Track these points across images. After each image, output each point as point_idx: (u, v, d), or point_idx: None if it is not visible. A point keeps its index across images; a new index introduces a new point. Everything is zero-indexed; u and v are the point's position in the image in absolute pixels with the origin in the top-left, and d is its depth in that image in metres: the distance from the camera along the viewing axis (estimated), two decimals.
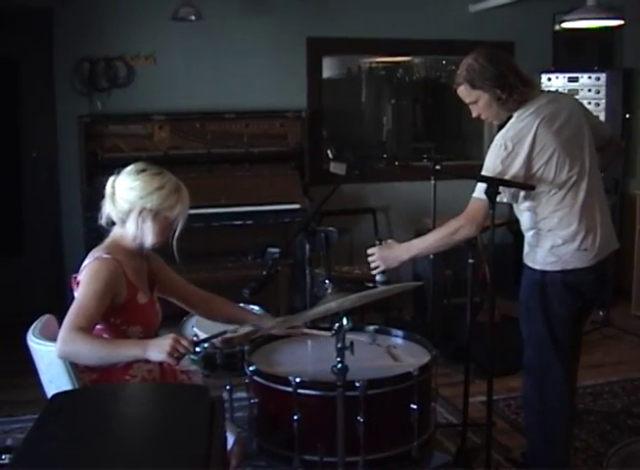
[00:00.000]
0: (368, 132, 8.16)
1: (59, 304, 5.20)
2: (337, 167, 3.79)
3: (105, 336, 3.01)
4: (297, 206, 6.02)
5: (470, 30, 6.88)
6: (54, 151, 6.14)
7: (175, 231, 3.09)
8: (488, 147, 3.41)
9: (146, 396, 2.54)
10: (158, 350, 2.77)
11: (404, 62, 7.90)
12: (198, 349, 3.15)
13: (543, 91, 3.54)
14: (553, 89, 6.43)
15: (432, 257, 4.52)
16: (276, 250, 5.82)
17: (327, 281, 3.42)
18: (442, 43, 6.99)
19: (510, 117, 3.43)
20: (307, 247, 3.88)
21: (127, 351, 2.84)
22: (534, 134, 3.30)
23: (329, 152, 3.92)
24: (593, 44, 6.79)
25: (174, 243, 3.11)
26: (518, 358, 4.71)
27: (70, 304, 2.92)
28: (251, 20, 6.41)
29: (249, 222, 5.93)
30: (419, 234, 3.76)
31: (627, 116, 6.68)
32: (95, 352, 2.80)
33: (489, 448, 3.49)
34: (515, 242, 6.48)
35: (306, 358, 3.36)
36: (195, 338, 3.36)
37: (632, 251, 6.31)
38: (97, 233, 3.25)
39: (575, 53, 6.85)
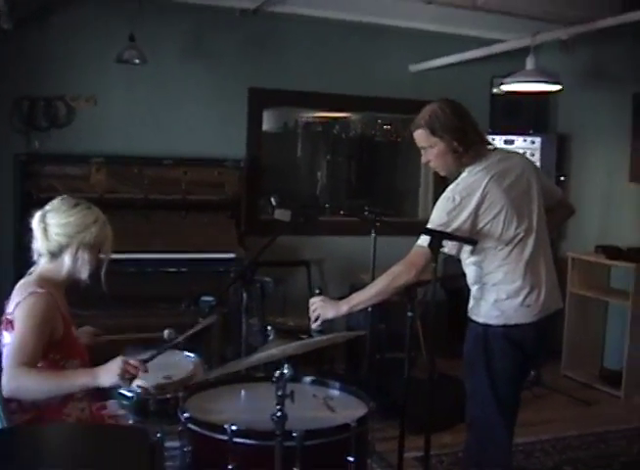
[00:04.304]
0: (303, 186, 8.17)
1: None
2: (281, 214, 3.79)
3: None
4: (232, 255, 5.97)
5: (409, 90, 7.00)
6: None
7: (103, 265, 3.08)
8: (423, 205, 3.44)
9: (85, 437, 2.47)
10: (108, 374, 2.74)
11: (341, 118, 7.97)
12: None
13: (496, 149, 3.58)
14: None
15: (369, 309, 4.49)
16: (210, 298, 5.75)
17: (269, 328, 3.37)
18: (382, 101, 7.11)
19: (460, 173, 3.46)
20: (244, 296, 3.84)
21: (76, 380, 2.79)
22: (483, 190, 3.34)
23: (272, 199, 3.91)
24: (529, 109, 7.01)
25: (102, 277, 3.09)
26: (450, 415, 4.74)
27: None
28: (195, 67, 6.43)
29: (183, 270, 5.86)
30: (354, 288, 3.75)
31: (562, 178, 6.85)
32: (43, 384, 2.74)
33: None
34: (448, 300, 6.53)
35: (242, 406, 3.29)
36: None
37: (563, 311, 6.37)
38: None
39: (512, 116, 7.03)
